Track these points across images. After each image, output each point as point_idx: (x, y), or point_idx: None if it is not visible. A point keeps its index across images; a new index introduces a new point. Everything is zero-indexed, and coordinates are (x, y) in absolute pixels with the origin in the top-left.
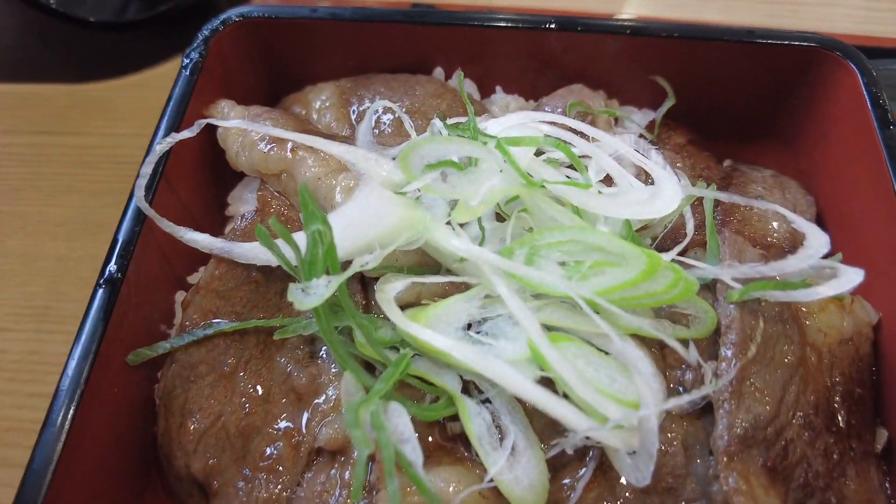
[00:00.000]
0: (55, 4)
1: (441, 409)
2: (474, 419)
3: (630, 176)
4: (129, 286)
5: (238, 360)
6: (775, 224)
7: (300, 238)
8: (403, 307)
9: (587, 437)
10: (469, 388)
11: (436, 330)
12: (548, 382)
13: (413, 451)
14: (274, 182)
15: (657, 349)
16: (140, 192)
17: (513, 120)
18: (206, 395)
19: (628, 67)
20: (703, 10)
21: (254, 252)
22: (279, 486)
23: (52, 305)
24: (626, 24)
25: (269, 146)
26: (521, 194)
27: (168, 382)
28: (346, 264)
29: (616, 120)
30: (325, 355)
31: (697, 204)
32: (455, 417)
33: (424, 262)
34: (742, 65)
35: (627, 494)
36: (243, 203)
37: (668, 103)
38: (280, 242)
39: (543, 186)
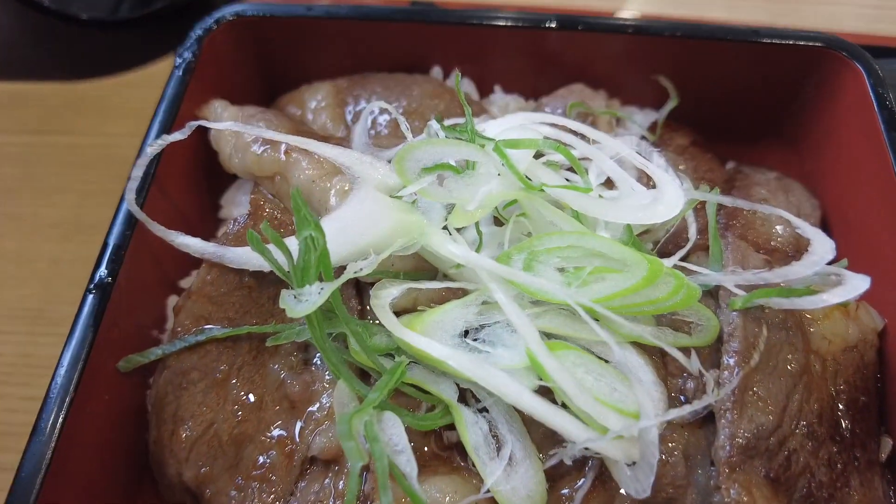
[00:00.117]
0: (48, 2)
1: (437, 418)
2: (471, 428)
3: (631, 179)
4: (119, 291)
5: (230, 367)
6: (779, 228)
7: (293, 243)
8: (400, 313)
9: (586, 448)
10: (466, 396)
11: (432, 337)
12: (547, 391)
13: (407, 463)
14: (267, 184)
15: (658, 357)
16: (131, 196)
17: (512, 121)
18: (198, 402)
19: (630, 67)
20: (706, 7)
21: (246, 257)
22: (272, 496)
23: (45, 308)
24: (627, 22)
25: (262, 148)
26: (520, 198)
27: (160, 389)
28: (340, 270)
29: (617, 120)
30: (319, 362)
31: (700, 207)
32: (452, 426)
33: (421, 266)
34: (746, 65)
35: None
36: (237, 206)
37: (671, 104)
38: (273, 247)
39: (542, 190)
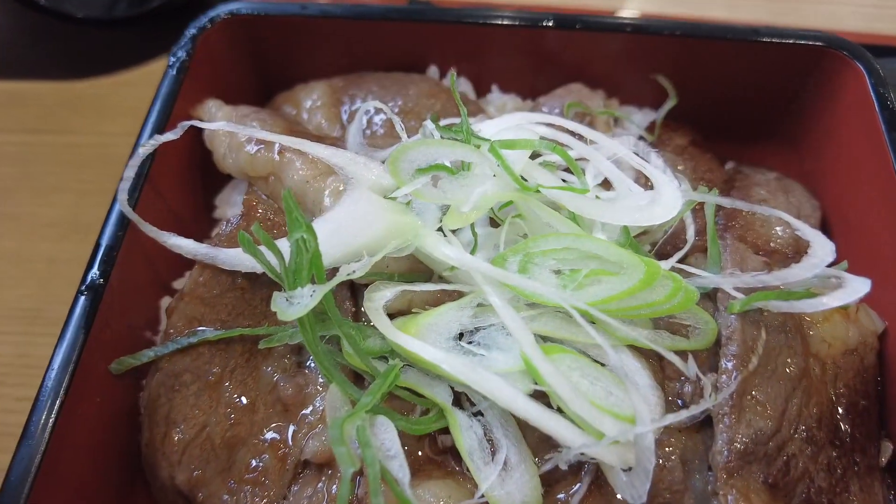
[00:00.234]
0: (44, 1)
1: (431, 422)
2: (465, 433)
3: (629, 180)
4: (111, 293)
5: (223, 369)
6: (779, 229)
7: (285, 245)
8: (394, 315)
9: (582, 453)
10: (461, 399)
11: (426, 340)
12: (542, 395)
13: (400, 469)
14: (261, 185)
15: (656, 360)
16: (123, 196)
17: (508, 121)
18: (190, 404)
19: (629, 66)
20: (706, 6)
21: (238, 258)
22: (265, 500)
23: (42, 308)
24: (626, 21)
25: (256, 148)
26: (515, 199)
27: (152, 391)
28: (334, 272)
29: (616, 120)
30: (312, 364)
31: (699, 209)
32: (446, 430)
33: (416, 268)
34: (746, 64)
35: None
36: (231, 206)
37: (670, 103)
38: (265, 249)
39: (538, 191)
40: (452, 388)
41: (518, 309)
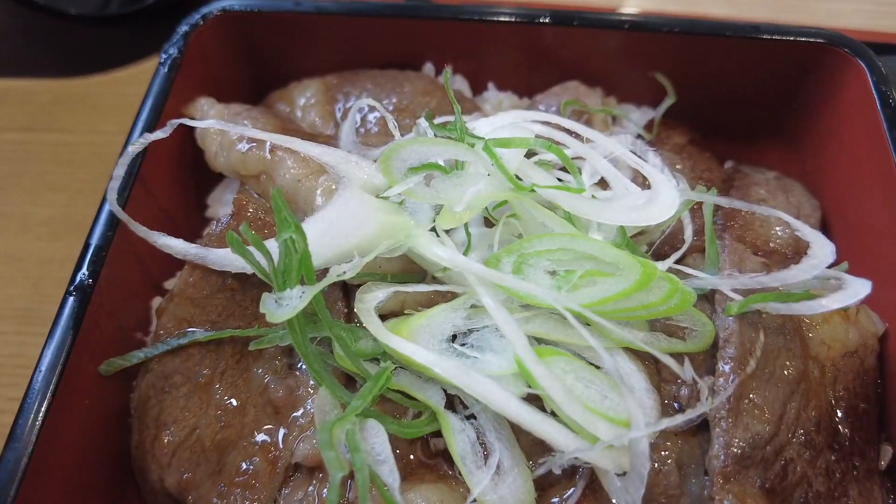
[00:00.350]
0: None
1: (423, 425)
2: (458, 436)
3: (626, 179)
4: (101, 293)
5: (213, 371)
6: (778, 229)
7: (274, 245)
8: (387, 316)
9: (576, 457)
10: (454, 402)
11: (418, 342)
12: (536, 398)
13: (390, 474)
14: (253, 184)
15: (652, 363)
16: (112, 196)
17: (503, 119)
18: (180, 406)
19: (627, 64)
20: (707, 3)
21: (228, 259)
22: (255, 503)
23: (34, 307)
24: (624, 18)
25: (247, 146)
26: (510, 199)
27: (142, 393)
28: (325, 273)
29: (614, 119)
30: (303, 366)
31: (697, 208)
32: (439, 433)
33: (410, 268)
34: (746, 61)
35: None
36: (223, 205)
37: (668, 101)
38: (254, 249)
39: (533, 190)
40: (445, 391)
41: (512, 310)
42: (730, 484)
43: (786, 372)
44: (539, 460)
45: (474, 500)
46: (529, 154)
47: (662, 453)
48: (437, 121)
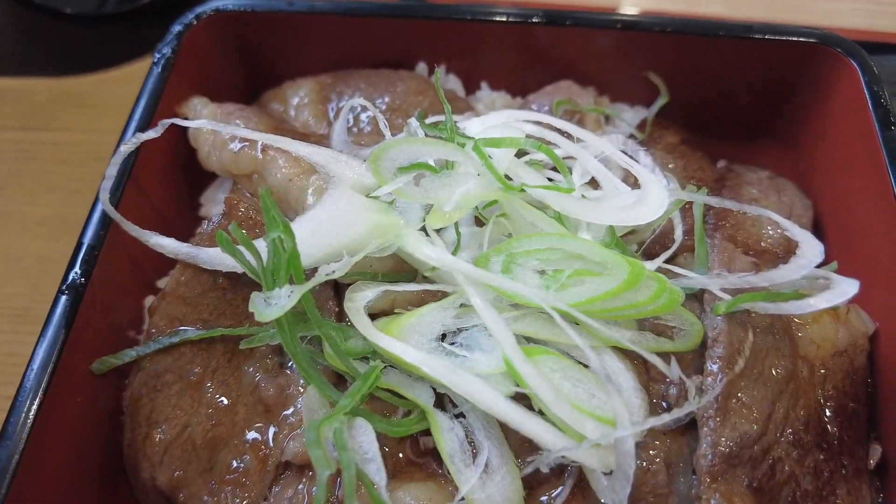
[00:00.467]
0: None
1: (411, 424)
2: (446, 434)
3: (616, 179)
4: (93, 292)
5: (205, 370)
6: (770, 228)
7: (264, 245)
8: (378, 315)
9: (563, 456)
10: (444, 401)
11: (408, 341)
12: (525, 397)
13: (377, 472)
14: (245, 183)
15: (641, 362)
16: (104, 195)
17: (495, 119)
18: (172, 404)
19: (620, 63)
20: (705, 3)
21: (219, 258)
22: (246, 501)
23: (31, 307)
24: (616, 18)
25: (239, 146)
26: (499, 199)
27: (134, 391)
28: (315, 272)
29: (607, 118)
30: (294, 365)
31: (688, 207)
32: (428, 432)
33: (401, 268)
34: (740, 61)
35: None
36: (216, 204)
37: (661, 101)
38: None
39: (523, 190)
40: (435, 390)
41: (502, 309)
42: (717, 483)
43: (774, 371)
44: (527, 459)
45: (462, 499)
46: (520, 154)
47: (650, 452)
48: (430, 120)
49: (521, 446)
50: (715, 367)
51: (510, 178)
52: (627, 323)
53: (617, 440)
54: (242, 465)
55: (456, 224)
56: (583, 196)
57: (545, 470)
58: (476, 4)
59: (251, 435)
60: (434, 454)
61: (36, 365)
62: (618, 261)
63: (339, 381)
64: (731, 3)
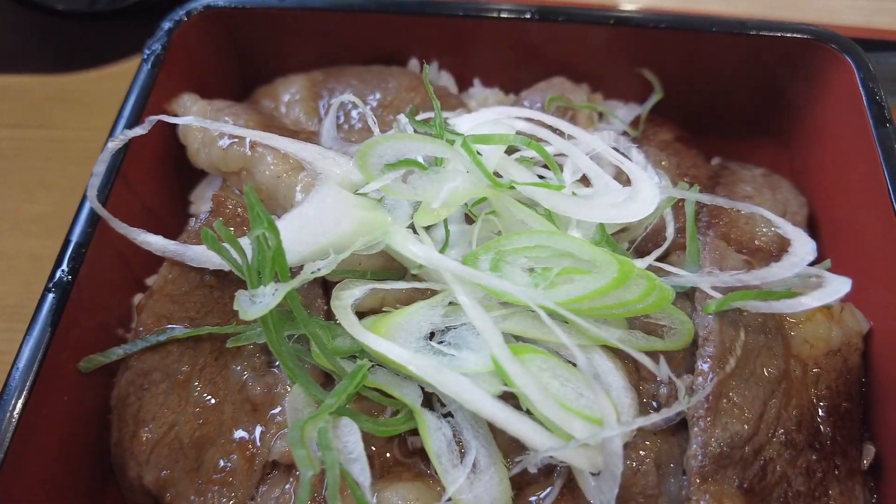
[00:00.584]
0: None
1: (399, 423)
2: (434, 434)
3: (607, 176)
4: (80, 290)
5: (192, 368)
6: (764, 226)
7: (248, 242)
8: (367, 313)
9: (551, 456)
10: (432, 400)
11: (396, 340)
12: (513, 396)
13: (361, 472)
14: (234, 180)
15: (631, 361)
16: (92, 193)
17: (485, 116)
18: (159, 403)
19: (614, 60)
20: (704, 0)
21: (206, 255)
22: (232, 500)
23: (24, 304)
24: (610, 14)
25: (227, 142)
26: (489, 196)
27: (122, 390)
28: (302, 270)
29: (601, 115)
30: None
31: (680, 205)
32: (416, 431)
33: (390, 265)
34: (735, 57)
35: None
36: (206, 202)
37: (655, 97)
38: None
39: (513, 187)
40: (423, 389)
41: (490, 308)
42: (707, 484)
43: (767, 371)
44: (516, 459)
45: (449, 499)
46: (511, 151)
47: (640, 452)
48: (420, 117)
49: (510, 446)
50: (706, 367)
51: (500, 176)
52: (617, 321)
53: (604, 440)
54: (229, 464)
55: (445, 221)
56: (573, 193)
57: (533, 470)
58: (468, 0)
59: (238, 434)
60: (422, 454)
61: (21, 364)
62: (607, 259)
63: (328, 380)
64: (729, 0)
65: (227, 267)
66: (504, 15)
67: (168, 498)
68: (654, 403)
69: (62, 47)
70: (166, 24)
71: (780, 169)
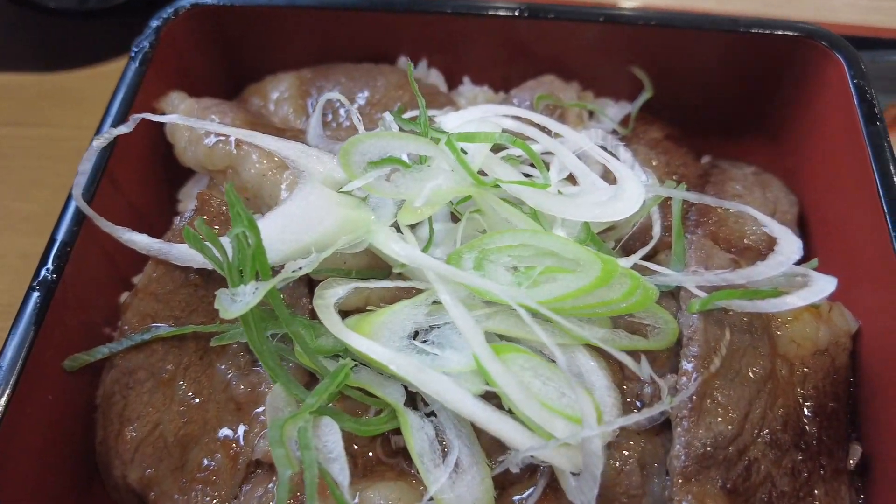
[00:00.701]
0: None
1: (381, 423)
2: (416, 434)
3: (594, 175)
4: (65, 289)
5: (177, 367)
6: (754, 225)
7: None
8: (351, 312)
9: (532, 456)
10: (416, 399)
11: (379, 339)
12: (496, 396)
13: (340, 472)
14: (220, 178)
15: (616, 360)
16: (77, 191)
17: (472, 114)
18: (144, 402)
19: (604, 57)
20: None
21: (190, 254)
22: (216, 499)
23: (15, 303)
24: (599, 11)
25: (213, 141)
26: (473, 194)
27: (107, 388)
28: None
29: (591, 113)
30: None
31: (668, 204)
32: (399, 431)
33: (376, 264)
34: (726, 55)
35: None
36: (194, 200)
37: (645, 95)
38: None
39: (497, 186)
40: (407, 388)
41: (474, 307)
42: (689, 484)
43: (752, 371)
44: (499, 458)
45: (431, 499)
46: (499, 149)
47: (624, 453)
48: (408, 115)
49: (493, 446)
50: (690, 366)
51: (486, 174)
52: (601, 321)
53: (583, 440)
54: (213, 463)
55: (430, 220)
56: (559, 192)
57: (514, 470)
58: None
59: (222, 433)
60: (405, 453)
61: (5, 363)
62: (590, 258)
63: (312, 379)
64: None
65: (210, 265)
66: (493, 12)
67: (152, 497)
68: (639, 403)
69: (55, 45)
70: (154, 22)
71: (773, 167)
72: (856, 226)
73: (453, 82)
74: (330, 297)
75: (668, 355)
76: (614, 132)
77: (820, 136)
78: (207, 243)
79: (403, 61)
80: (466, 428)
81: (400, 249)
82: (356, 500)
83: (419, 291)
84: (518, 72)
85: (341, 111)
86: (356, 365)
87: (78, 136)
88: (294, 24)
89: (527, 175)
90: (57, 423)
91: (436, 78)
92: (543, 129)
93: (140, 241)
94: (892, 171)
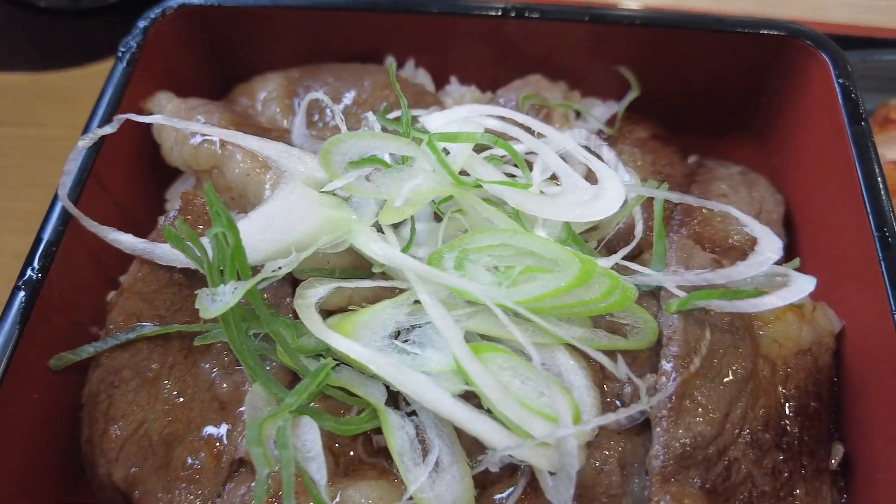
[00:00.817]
0: None
1: (362, 422)
2: (396, 433)
3: (576, 175)
4: (51, 288)
5: (162, 366)
6: (739, 225)
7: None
8: (334, 312)
9: (511, 455)
10: (398, 399)
11: (361, 338)
12: (475, 395)
13: (318, 471)
14: (207, 178)
15: (596, 360)
16: (63, 191)
17: (456, 114)
18: (129, 400)
19: (591, 57)
20: None
21: (174, 253)
22: (199, 498)
23: None
24: (585, 11)
25: (198, 140)
26: (454, 194)
27: (92, 387)
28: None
29: (578, 113)
30: None
31: (652, 204)
32: (381, 430)
33: (359, 264)
34: (712, 54)
35: None
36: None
37: (632, 95)
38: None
39: (479, 186)
40: (388, 388)
41: (454, 306)
42: (668, 484)
43: (733, 370)
44: (479, 458)
45: (411, 498)
46: (484, 149)
47: (605, 452)
48: (393, 115)
49: (475, 445)
50: (669, 366)
51: (468, 174)
52: (581, 320)
53: (559, 440)
54: (197, 462)
55: (412, 219)
56: (541, 192)
57: (493, 469)
58: None
59: (206, 432)
60: (387, 453)
61: None
62: (569, 257)
63: (296, 379)
64: None
65: (194, 265)
66: (480, 12)
67: (136, 495)
68: (619, 402)
69: (47, 45)
70: (141, 23)
71: (759, 166)
72: (840, 225)
73: (441, 82)
74: (311, 296)
75: (648, 355)
76: (600, 132)
77: (806, 136)
78: (189, 243)
79: (391, 61)
80: (447, 427)
81: (379, 249)
82: (337, 499)
83: (402, 291)
84: (505, 71)
85: (328, 111)
86: (338, 364)
87: (71, 135)
88: (282, 23)
89: (510, 175)
90: (42, 422)
91: (423, 78)
92: (527, 129)
93: (125, 240)
94: (876, 171)
